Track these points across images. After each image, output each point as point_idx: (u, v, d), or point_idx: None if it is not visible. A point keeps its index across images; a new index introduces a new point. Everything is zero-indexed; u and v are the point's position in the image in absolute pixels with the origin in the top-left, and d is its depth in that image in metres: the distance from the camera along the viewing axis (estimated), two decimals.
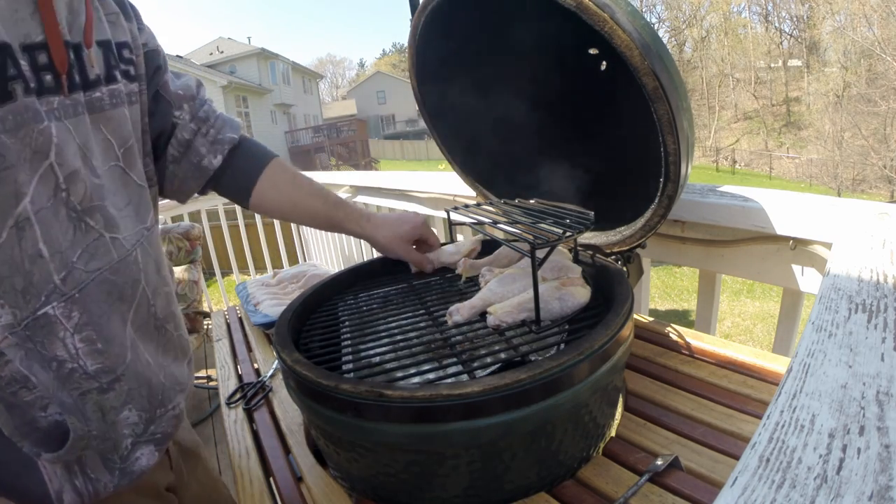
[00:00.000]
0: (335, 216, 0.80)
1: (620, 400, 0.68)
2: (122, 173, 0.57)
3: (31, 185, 0.46)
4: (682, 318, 5.13)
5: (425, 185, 1.63)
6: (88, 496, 0.54)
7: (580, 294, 0.64)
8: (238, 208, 2.70)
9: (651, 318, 0.88)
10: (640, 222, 0.73)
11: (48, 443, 0.50)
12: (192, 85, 0.70)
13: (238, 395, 0.93)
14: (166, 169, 0.70)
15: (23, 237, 0.45)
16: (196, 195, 0.75)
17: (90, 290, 0.50)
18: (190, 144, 0.69)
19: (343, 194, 2.22)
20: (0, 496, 0.51)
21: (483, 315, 0.65)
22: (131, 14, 0.62)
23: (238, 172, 0.74)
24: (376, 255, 0.88)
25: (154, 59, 0.65)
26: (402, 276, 0.87)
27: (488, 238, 0.83)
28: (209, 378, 2.50)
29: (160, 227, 0.71)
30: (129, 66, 0.59)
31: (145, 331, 0.58)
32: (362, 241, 0.95)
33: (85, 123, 0.51)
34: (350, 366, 0.64)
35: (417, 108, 0.98)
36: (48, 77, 0.47)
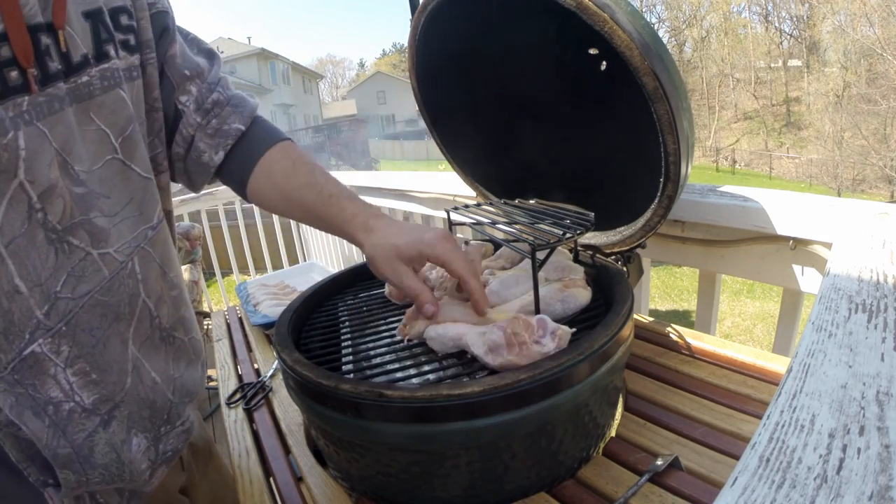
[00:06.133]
0: (326, 213, 0.60)
1: (620, 400, 0.68)
2: (121, 167, 0.50)
3: (0, 213, 0.39)
4: (682, 318, 5.13)
5: (425, 185, 1.63)
6: None
7: (582, 295, 0.65)
8: (238, 208, 2.70)
9: (651, 318, 0.88)
10: (640, 222, 0.73)
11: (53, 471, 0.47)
12: (201, 64, 0.61)
13: (238, 395, 0.93)
14: (174, 165, 0.64)
15: None
16: (207, 187, 0.69)
17: (79, 318, 0.46)
18: (192, 141, 0.61)
19: None
20: None
21: None
22: None
23: (236, 164, 0.64)
24: None
25: (160, 21, 0.55)
26: None
27: (488, 239, 0.83)
28: (209, 378, 2.49)
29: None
30: (128, 34, 0.51)
31: (150, 346, 0.54)
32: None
33: (66, 120, 0.44)
34: (350, 366, 0.64)
35: (417, 108, 0.98)
36: (13, 73, 0.39)
